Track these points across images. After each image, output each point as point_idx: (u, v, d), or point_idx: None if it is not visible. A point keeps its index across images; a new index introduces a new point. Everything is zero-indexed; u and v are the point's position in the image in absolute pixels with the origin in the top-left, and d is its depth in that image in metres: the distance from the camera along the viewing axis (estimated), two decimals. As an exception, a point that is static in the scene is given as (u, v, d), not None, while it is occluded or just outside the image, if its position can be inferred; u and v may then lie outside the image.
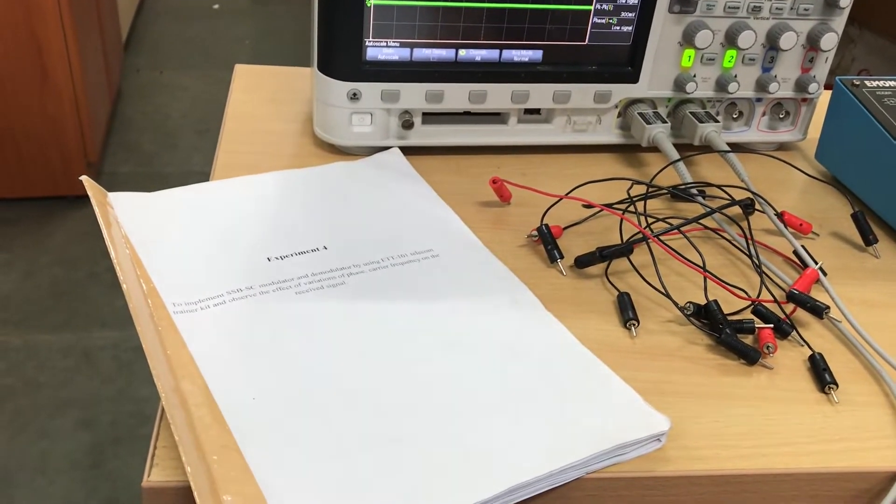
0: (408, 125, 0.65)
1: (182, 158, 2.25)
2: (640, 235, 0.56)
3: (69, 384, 1.55)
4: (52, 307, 1.72)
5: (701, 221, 0.59)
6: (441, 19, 0.62)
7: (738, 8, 0.65)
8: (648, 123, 0.67)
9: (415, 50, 0.63)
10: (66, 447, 1.43)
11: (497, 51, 0.64)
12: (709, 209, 0.59)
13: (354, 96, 0.63)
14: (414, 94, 0.64)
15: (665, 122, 0.68)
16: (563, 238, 0.59)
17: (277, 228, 0.58)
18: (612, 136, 0.70)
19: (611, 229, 0.59)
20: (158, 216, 0.58)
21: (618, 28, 0.65)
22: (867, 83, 0.67)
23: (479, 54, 0.64)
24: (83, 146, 1.94)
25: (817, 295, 0.54)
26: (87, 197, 0.56)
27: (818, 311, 0.52)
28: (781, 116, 0.72)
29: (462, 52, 0.64)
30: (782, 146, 0.74)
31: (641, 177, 0.67)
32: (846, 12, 0.67)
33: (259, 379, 0.45)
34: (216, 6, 3.18)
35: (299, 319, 0.50)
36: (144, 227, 0.56)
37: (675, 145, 0.67)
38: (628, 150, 0.71)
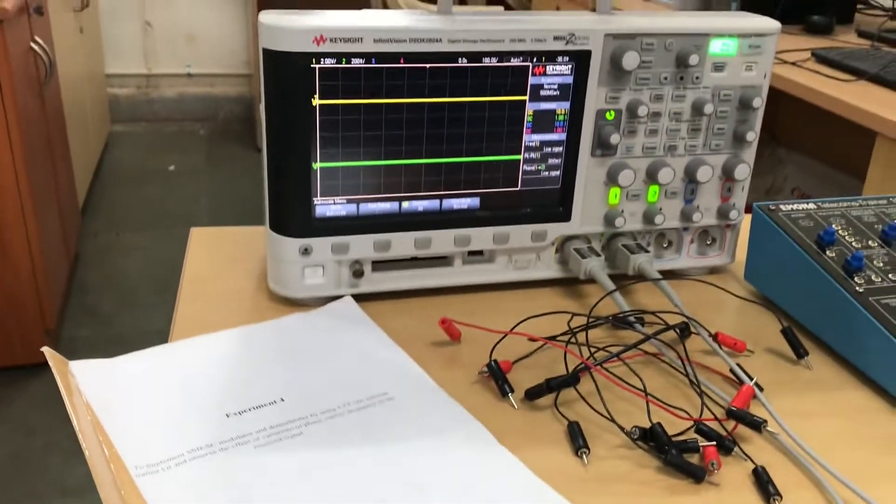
0: (358, 274, 0.69)
1: (141, 318, 2.26)
2: (586, 365, 0.59)
3: (26, 561, 1.49)
4: (12, 478, 1.67)
5: (641, 347, 0.63)
6: (383, 176, 0.67)
7: (655, 148, 0.71)
8: (584, 258, 0.71)
9: (361, 205, 0.67)
10: None
11: (437, 200, 0.69)
12: (645, 335, 0.63)
13: (306, 251, 0.67)
14: (363, 245, 0.68)
15: (599, 255, 0.72)
16: (513, 372, 0.61)
17: (235, 384, 0.59)
18: (552, 271, 0.74)
19: (557, 360, 0.62)
20: (119, 382, 0.59)
21: (547, 173, 0.70)
22: (782, 207, 0.73)
23: (421, 205, 0.68)
24: (41, 314, 1.94)
25: (756, 410, 0.57)
26: (45, 364, 0.58)
27: (756, 425, 0.55)
28: (709, 242, 0.77)
29: (405, 204, 0.68)
30: (713, 270, 0.79)
31: (582, 308, 0.71)
32: (754, 145, 0.73)
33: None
34: (172, 167, 3.28)
35: (260, 474, 0.51)
36: (106, 393, 0.58)
37: (612, 276, 0.71)
38: (568, 283, 0.75)
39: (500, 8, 2.75)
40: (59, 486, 1.65)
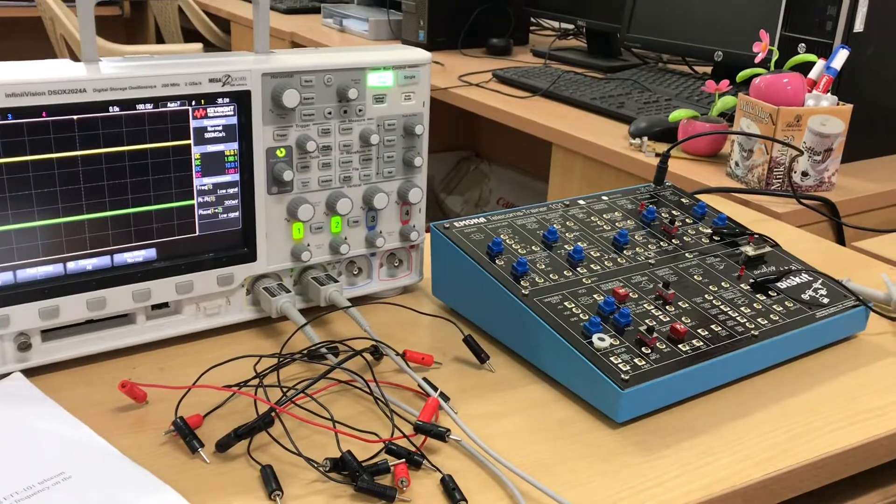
0: (25, 347, 0.63)
1: None
2: (273, 408, 0.58)
3: None
4: None
5: (332, 377, 0.64)
6: (40, 237, 0.62)
7: (331, 181, 0.73)
8: (273, 296, 0.71)
9: (18, 271, 0.62)
10: None
11: (108, 257, 0.65)
12: (332, 365, 0.64)
13: (-43, 330, 0.60)
14: (25, 316, 0.62)
15: (289, 291, 0.72)
16: (205, 425, 0.59)
17: None
18: (245, 314, 0.73)
19: (251, 405, 0.61)
20: None
21: (225, 215, 0.69)
22: (456, 224, 0.77)
23: (90, 263, 0.64)
24: None
25: (443, 420, 0.60)
26: None
27: (440, 435, 0.58)
28: (396, 264, 0.80)
29: (71, 265, 0.64)
30: (406, 289, 0.82)
31: (278, 346, 0.70)
32: (424, 169, 0.78)
33: None
34: None
35: None
36: None
37: (306, 309, 0.72)
38: (264, 323, 0.74)
39: (199, 46, 2.68)
40: None
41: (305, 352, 0.67)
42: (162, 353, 0.69)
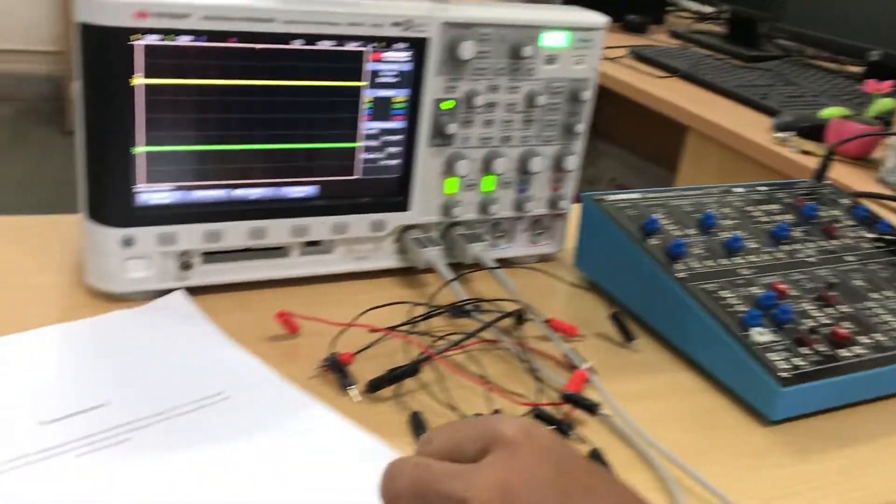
0: (187, 266, 0.65)
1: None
2: (427, 355, 0.59)
3: None
4: None
5: (479, 335, 0.63)
6: (213, 162, 0.63)
7: (491, 138, 0.72)
8: (423, 247, 0.71)
9: (189, 192, 0.63)
10: None
11: (273, 188, 0.66)
12: (484, 324, 0.63)
13: (128, 242, 0.62)
14: (191, 236, 0.64)
15: (438, 244, 0.72)
16: (354, 364, 0.60)
17: (50, 388, 0.54)
18: (391, 261, 0.73)
19: (398, 351, 0.61)
20: None
21: (386, 162, 0.69)
22: (607, 198, 0.76)
23: (255, 193, 0.66)
24: None
25: (589, 393, 0.59)
26: None
27: (590, 408, 0.57)
28: (540, 231, 0.79)
29: (238, 192, 0.65)
30: (544, 258, 0.81)
31: (421, 297, 0.71)
32: (582, 137, 0.76)
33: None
34: (-31, 149, 2.99)
35: (83, 485, 0.47)
36: None
37: (450, 264, 0.71)
38: (408, 273, 0.74)
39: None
40: None
41: (449, 307, 0.67)
42: (309, 291, 0.70)
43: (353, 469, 0.50)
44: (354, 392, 0.57)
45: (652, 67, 1.73)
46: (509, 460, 0.38)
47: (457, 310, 0.66)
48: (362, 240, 0.71)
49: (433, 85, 0.68)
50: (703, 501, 0.52)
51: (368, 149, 0.68)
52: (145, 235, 0.63)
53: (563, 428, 0.55)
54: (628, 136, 2.51)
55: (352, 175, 0.69)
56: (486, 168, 0.73)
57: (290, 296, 0.69)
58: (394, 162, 0.70)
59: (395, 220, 0.71)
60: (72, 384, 0.55)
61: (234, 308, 0.66)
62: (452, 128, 0.69)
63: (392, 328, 0.62)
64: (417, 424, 0.54)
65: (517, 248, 0.79)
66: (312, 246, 0.70)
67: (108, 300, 0.64)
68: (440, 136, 0.70)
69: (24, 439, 0.49)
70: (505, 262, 0.76)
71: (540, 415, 0.56)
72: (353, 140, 0.67)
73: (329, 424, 0.53)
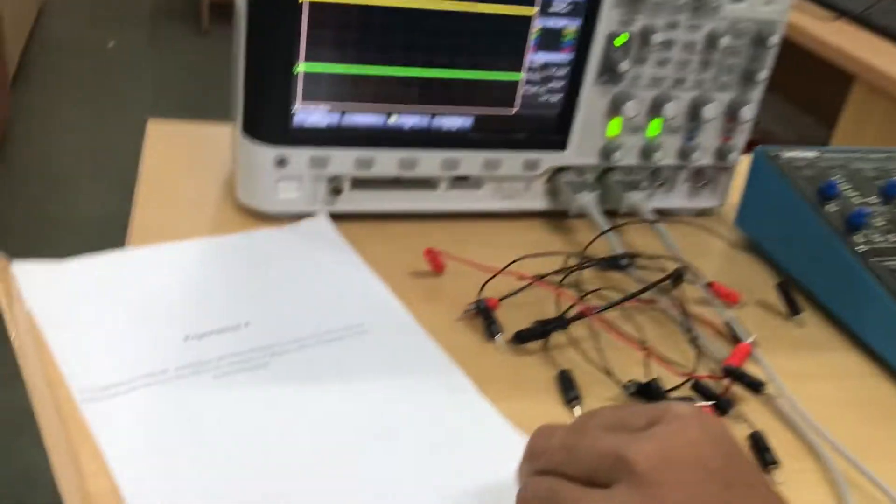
0: (336, 191, 0.63)
1: (74, 204, 2.14)
2: (581, 311, 0.55)
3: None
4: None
5: (628, 291, 0.59)
6: (372, 85, 0.60)
7: (663, 79, 0.66)
8: (576, 192, 0.67)
9: (345, 115, 0.61)
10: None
11: (428, 117, 0.63)
12: (647, 285, 0.59)
13: (281, 162, 0.61)
14: (343, 160, 0.62)
15: (593, 190, 0.68)
16: (498, 310, 0.57)
17: (197, 303, 0.54)
18: (539, 203, 0.70)
19: (544, 300, 0.58)
20: (68, 290, 0.53)
21: (547, 97, 0.65)
22: (783, 154, 0.69)
23: (410, 120, 0.63)
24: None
25: (751, 369, 0.55)
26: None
27: (755, 386, 0.52)
28: (703, 183, 0.74)
29: (393, 119, 0.62)
30: (703, 212, 0.76)
31: (570, 244, 0.67)
32: (763, 85, 0.69)
33: (174, 476, 0.42)
34: (111, 44, 3.08)
35: (218, 408, 0.46)
36: (52, 303, 0.52)
37: (604, 212, 0.67)
38: (555, 217, 0.71)
39: None
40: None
41: (602, 259, 0.63)
42: (453, 227, 0.67)
43: (482, 445, 0.48)
44: (500, 341, 0.55)
45: (816, 6, 1.59)
46: (678, 434, 0.36)
47: (610, 262, 0.63)
48: (513, 178, 0.68)
49: (608, 17, 0.63)
50: (874, 501, 0.48)
51: (531, 82, 0.64)
52: (299, 156, 0.61)
53: (723, 404, 0.51)
54: (782, 80, 2.35)
55: (510, 108, 0.65)
56: (655, 111, 0.67)
57: (432, 230, 0.66)
58: (556, 98, 0.65)
59: (550, 159, 0.67)
60: (217, 300, 0.55)
61: (377, 239, 0.64)
62: (624, 65, 0.64)
63: (541, 277, 0.59)
64: (566, 383, 0.51)
65: (677, 199, 0.74)
66: (461, 181, 0.67)
67: (256, 217, 0.63)
68: (609, 73, 0.65)
69: (167, 354, 0.49)
70: (661, 214, 0.72)
71: (698, 387, 0.52)
72: (517, 71, 0.63)
73: (466, 396, 0.50)
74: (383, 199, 0.65)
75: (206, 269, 0.58)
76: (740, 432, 0.51)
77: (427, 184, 0.66)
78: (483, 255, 0.60)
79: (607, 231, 0.64)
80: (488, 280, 0.58)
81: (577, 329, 0.56)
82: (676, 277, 0.62)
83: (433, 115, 0.63)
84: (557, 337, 0.56)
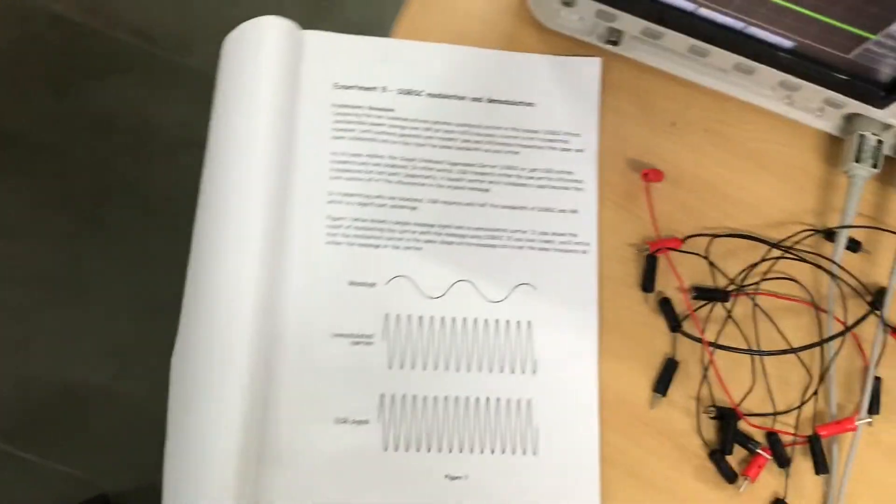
0: (613, 43, 0.60)
1: None
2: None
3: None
4: None
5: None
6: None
7: None
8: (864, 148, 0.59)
9: (653, -9, 0.54)
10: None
11: (743, 23, 0.54)
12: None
13: (568, 3, 0.57)
14: (631, 24, 0.57)
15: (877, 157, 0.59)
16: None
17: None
18: (820, 125, 0.62)
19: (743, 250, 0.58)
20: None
21: (894, 61, 0.53)
22: None
23: (723, 18, 0.55)
24: None
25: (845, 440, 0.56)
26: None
27: (820, 468, 0.55)
28: None
29: (703, 10, 0.54)
30: None
31: (820, 200, 0.62)
32: None
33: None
34: None
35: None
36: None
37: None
38: (830, 142, 0.63)
39: None
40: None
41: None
42: (716, 106, 0.62)
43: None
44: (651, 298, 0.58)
45: None
46: None
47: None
48: (809, 96, 0.60)
49: None
50: None
51: (881, 44, 0.52)
52: (586, 3, 0.56)
53: (783, 460, 0.54)
54: None
55: (845, 54, 0.54)
56: None
57: (695, 103, 0.62)
58: (900, 68, 0.53)
59: (856, 107, 0.58)
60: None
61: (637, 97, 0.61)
62: None
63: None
64: (667, 372, 0.56)
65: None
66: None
67: (539, 31, 0.61)
68: None
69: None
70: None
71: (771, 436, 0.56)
72: (872, 33, 0.51)
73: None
74: (666, 58, 0.61)
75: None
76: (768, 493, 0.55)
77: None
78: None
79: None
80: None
81: (737, 307, 0.57)
82: None
83: (751, 25, 0.54)
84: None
